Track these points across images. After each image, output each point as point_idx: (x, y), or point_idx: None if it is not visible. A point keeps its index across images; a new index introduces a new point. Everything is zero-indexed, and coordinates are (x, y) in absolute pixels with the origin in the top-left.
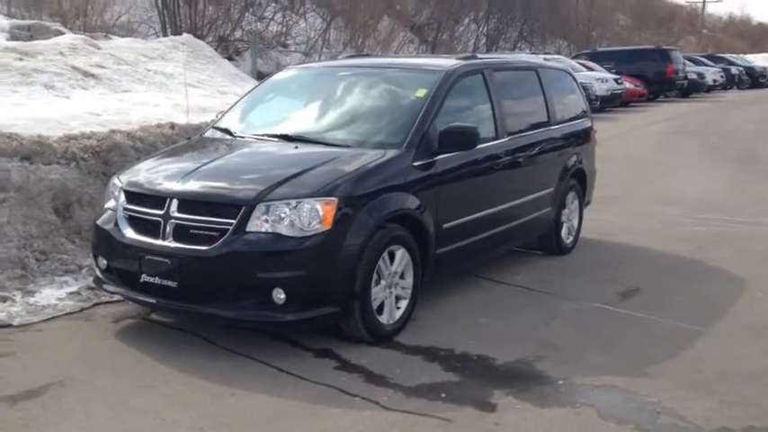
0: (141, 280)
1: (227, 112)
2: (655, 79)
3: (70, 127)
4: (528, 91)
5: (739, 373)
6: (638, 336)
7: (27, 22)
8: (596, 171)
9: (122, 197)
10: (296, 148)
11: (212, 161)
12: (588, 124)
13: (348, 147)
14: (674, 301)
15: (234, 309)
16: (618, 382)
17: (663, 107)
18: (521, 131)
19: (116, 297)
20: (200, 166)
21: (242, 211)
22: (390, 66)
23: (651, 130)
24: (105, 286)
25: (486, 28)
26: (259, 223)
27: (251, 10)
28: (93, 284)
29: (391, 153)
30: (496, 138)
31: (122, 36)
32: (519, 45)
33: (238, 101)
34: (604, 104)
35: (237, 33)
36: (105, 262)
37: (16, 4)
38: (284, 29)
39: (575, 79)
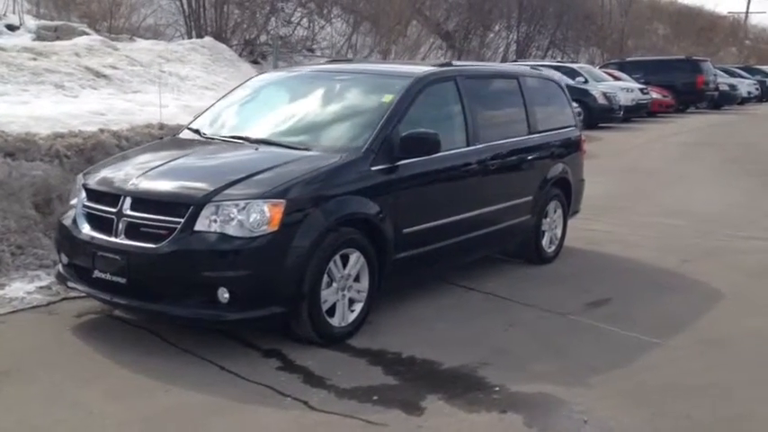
0: (94, 276)
1: (202, 113)
2: (684, 90)
3: (70, 125)
4: (506, 99)
5: (681, 385)
6: (591, 346)
7: (54, 23)
8: (584, 181)
9: (83, 194)
10: (256, 150)
11: (172, 161)
12: (576, 134)
13: (308, 150)
14: (641, 312)
15: (181, 307)
16: (554, 391)
17: (690, 118)
18: (495, 139)
19: (75, 293)
20: (158, 166)
21: (190, 210)
22: (363, 71)
23: (673, 140)
24: (66, 282)
25: (516, 35)
26: (207, 223)
27: (277, 14)
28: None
29: (349, 157)
30: (468, 145)
31: (149, 38)
32: (551, 53)
33: (215, 103)
34: (629, 114)
35: (263, 37)
36: (66, 258)
37: (46, 5)
38: (310, 33)
39: (563, 89)
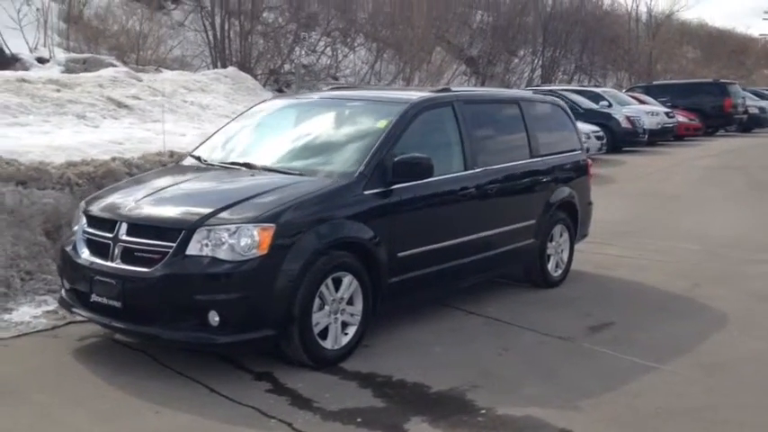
0: (92, 300)
1: (206, 140)
2: (712, 113)
3: (88, 154)
4: (506, 124)
5: (674, 409)
6: (587, 369)
7: (82, 55)
8: (592, 204)
9: (83, 220)
10: (252, 176)
11: (169, 187)
12: (581, 158)
13: (302, 175)
14: (643, 337)
15: (173, 330)
16: (542, 414)
17: (718, 141)
18: (494, 163)
19: (80, 318)
20: (154, 192)
21: (182, 234)
22: (360, 98)
23: (697, 164)
24: (70, 307)
25: (541, 60)
26: (199, 247)
27: (300, 44)
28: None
29: (342, 182)
30: (465, 169)
31: (175, 69)
32: (577, 77)
33: (217, 130)
34: (654, 138)
35: (287, 66)
36: (68, 283)
37: (76, 38)
38: (334, 62)
39: (568, 114)
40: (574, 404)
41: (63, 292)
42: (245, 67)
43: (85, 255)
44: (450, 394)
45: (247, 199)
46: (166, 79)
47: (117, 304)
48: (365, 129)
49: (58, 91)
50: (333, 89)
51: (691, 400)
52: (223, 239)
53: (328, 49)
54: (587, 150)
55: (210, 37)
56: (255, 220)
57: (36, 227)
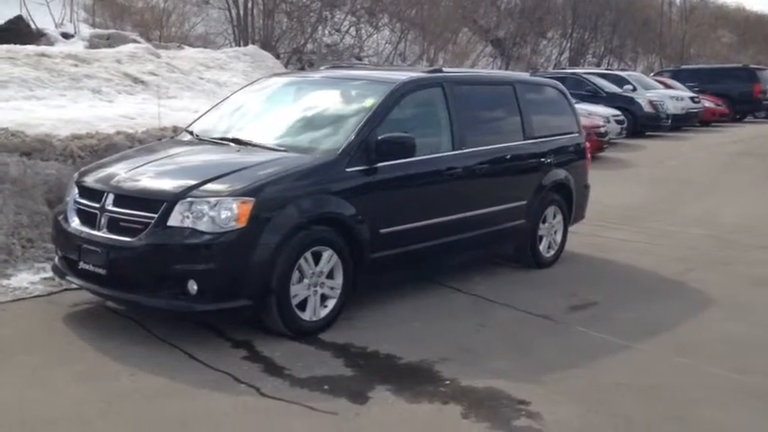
0: (80, 267)
1: (201, 115)
2: (740, 99)
3: (98, 128)
4: (499, 105)
5: (634, 385)
6: (558, 346)
7: (107, 31)
8: (589, 187)
9: (75, 190)
10: (238, 151)
11: (158, 160)
12: (579, 141)
13: (287, 152)
14: (622, 317)
15: (155, 297)
16: (503, 386)
17: (744, 128)
18: (485, 144)
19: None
20: (143, 165)
21: (163, 206)
22: (353, 77)
23: (720, 150)
24: (63, 275)
25: (570, 42)
26: (181, 218)
27: (323, 23)
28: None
29: (325, 159)
30: (453, 149)
31: (199, 47)
32: (607, 60)
33: (214, 106)
34: (679, 123)
35: (311, 46)
36: (60, 251)
37: (102, 15)
38: (358, 41)
39: (566, 96)
40: (538, 378)
41: (56, 259)
42: (268, 45)
43: (75, 224)
44: (420, 366)
45: (230, 173)
46: (186, 56)
47: (102, 272)
48: (353, 108)
49: (76, 66)
50: (330, 68)
51: (654, 377)
52: (204, 212)
53: (352, 28)
54: (606, 134)
55: (233, 15)
56: (235, 194)
57: (38, 196)
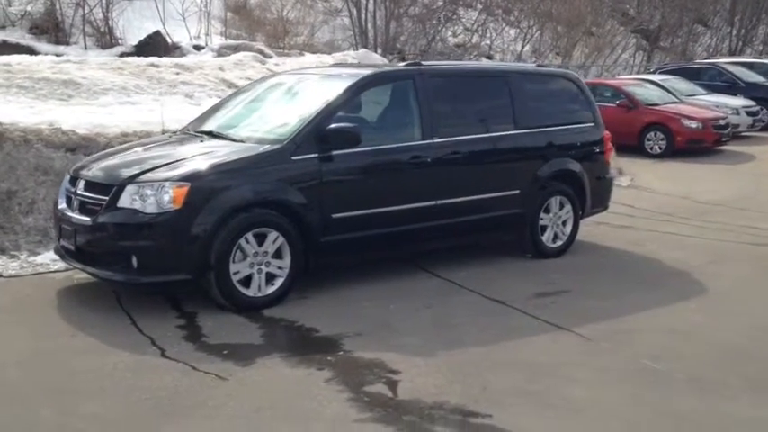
0: (60, 243)
1: (204, 112)
2: None
3: (168, 128)
4: (485, 96)
5: (520, 362)
6: (485, 327)
7: (235, 42)
8: (609, 179)
9: (67, 178)
10: (201, 141)
11: (131, 152)
12: (593, 132)
13: (243, 142)
14: (584, 305)
15: (109, 270)
16: (389, 358)
17: None
18: (463, 134)
19: None
20: (118, 155)
21: (114, 189)
22: (327, 73)
23: None
24: (58, 252)
25: (732, 30)
26: (130, 201)
27: (448, 23)
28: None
29: (272, 147)
30: (423, 139)
31: (325, 53)
32: None
33: (216, 104)
34: None
35: (439, 45)
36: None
37: (238, 27)
38: (488, 39)
39: (581, 88)
40: (432, 353)
41: (57, 240)
42: (390, 48)
43: (61, 206)
44: (330, 338)
45: (178, 161)
46: (294, 62)
47: (72, 247)
48: (315, 101)
49: (178, 74)
50: (333, 66)
51: (552, 356)
52: (148, 194)
53: (479, 28)
54: (727, 126)
55: (354, 20)
56: (173, 179)
57: None
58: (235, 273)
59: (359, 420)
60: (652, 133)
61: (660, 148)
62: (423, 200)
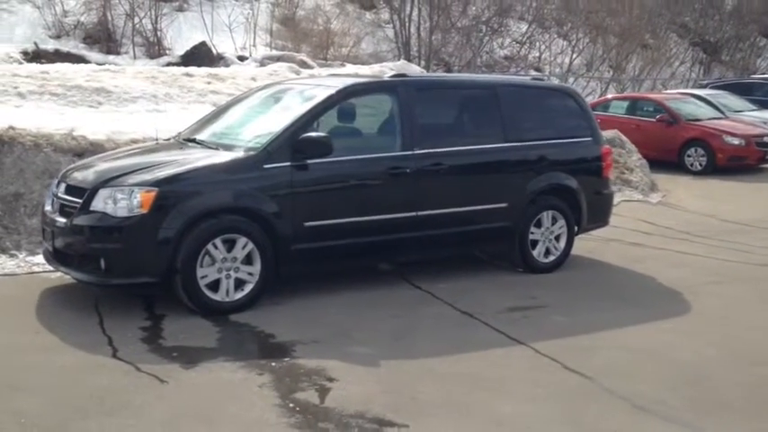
0: (44, 245)
1: (197, 120)
2: None
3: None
4: (473, 109)
5: (463, 374)
6: (442, 338)
7: (278, 53)
8: (608, 194)
9: (55, 181)
10: (180, 149)
11: (113, 158)
12: (591, 146)
13: (218, 149)
14: (553, 320)
15: (81, 271)
16: (331, 366)
17: None
18: (445, 146)
19: None
20: (100, 161)
21: (86, 193)
22: (312, 84)
23: None
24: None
25: None
26: (102, 204)
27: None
28: None
29: (245, 155)
30: (403, 150)
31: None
32: None
33: (210, 112)
34: None
35: (484, 58)
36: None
37: (285, 38)
38: (536, 51)
39: (578, 102)
40: (376, 362)
41: None
42: (433, 60)
43: (47, 209)
44: (283, 345)
45: (152, 166)
46: (327, 73)
47: (50, 248)
48: (293, 111)
49: (209, 83)
50: (329, 76)
51: (500, 371)
52: (119, 198)
53: (527, 40)
54: None
55: (397, 32)
56: (141, 184)
57: None
58: (202, 277)
59: (275, 425)
60: (693, 149)
61: (701, 165)
62: (401, 210)
